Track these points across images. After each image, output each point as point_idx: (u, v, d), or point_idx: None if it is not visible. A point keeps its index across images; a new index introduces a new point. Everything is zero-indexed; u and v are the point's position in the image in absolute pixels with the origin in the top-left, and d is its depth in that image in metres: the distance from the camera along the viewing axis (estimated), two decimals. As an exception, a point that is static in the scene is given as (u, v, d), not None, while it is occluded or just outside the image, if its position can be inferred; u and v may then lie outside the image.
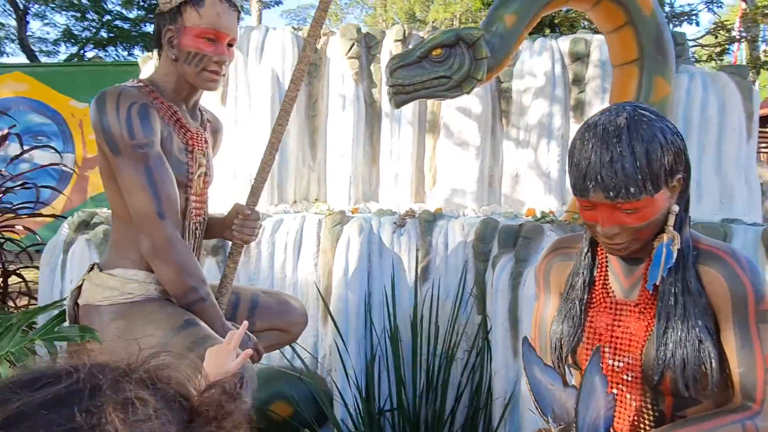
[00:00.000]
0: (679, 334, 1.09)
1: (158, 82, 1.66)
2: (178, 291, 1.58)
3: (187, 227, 1.70)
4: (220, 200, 2.96)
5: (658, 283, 1.12)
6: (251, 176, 2.94)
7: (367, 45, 3.03)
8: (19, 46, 15.56)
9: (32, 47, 15.61)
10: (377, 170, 3.08)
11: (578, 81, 2.87)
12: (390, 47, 3.03)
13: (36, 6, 15.63)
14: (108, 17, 14.72)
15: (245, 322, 1.54)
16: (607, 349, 1.19)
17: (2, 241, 3.50)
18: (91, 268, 1.67)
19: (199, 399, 0.47)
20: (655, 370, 1.10)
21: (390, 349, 2.53)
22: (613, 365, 1.18)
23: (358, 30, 2.98)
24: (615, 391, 1.17)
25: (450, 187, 2.97)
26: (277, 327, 1.95)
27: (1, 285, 3.47)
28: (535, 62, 2.92)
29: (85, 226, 2.69)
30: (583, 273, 1.25)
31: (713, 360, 1.07)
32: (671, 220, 1.13)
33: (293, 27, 3.08)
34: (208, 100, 3.06)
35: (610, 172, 1.05)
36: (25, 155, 4.01)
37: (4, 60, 16.35)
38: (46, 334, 1.67)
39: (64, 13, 15.41)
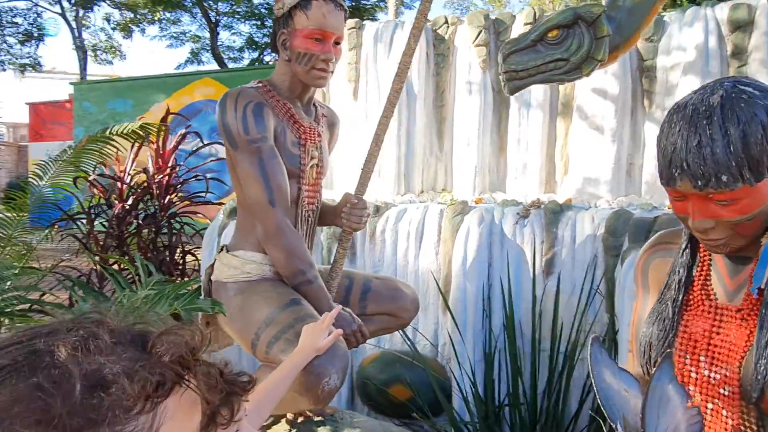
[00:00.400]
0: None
1: (275, 82, 1.82)
2: (287, 273, 1.74)
3: (299, 214, 1.85)
4: (349, 190, 3.14)
5: (763, 287, 0.97)
6: (380, 167, 3.08)
7: (495, 31, 2.96)
8: (211, 55, 17.87)
9: (222, 55, 17.80)
10: (505, 159, 3.00)
11: (739, 53, 2.49)
12: (520, 31, 2.92)
13: (225, 18, 17.76)
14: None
15: (338, 306, 1.64)
16: (702, 358, 1.05)
17: (181, 225, 4.10)
18: (221, 250, 1.90)
19: (153, 341, 0.54)
20: (754, 386, 0.95)
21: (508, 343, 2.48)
22: (708, 377, 1.04)
23: (486, 17, 2.92)
24: (711, 405, 1.04)
25: (582, 175, 2.78)
26: (387, 312, 2.02)
27: (180, 262, 4.07)
28: (686, 35, 2.59)
29: (235, 212, 3.04)
30: (679, 272, 1.12)
31: None
32: (785, 214, 0.96)
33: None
34: (340, 95, 3.26)
35: (698, 159, 0.93)
36: (212, 150, 4.62)
37: (199, 68, 18.77)
38: (187, 304, 1.95)
39: (246, 22, 17.34)
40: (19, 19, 20.98)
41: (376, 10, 16.51)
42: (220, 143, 5.00)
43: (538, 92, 2.88)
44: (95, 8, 22.23)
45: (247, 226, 1.81)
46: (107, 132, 3.49)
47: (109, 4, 21.71)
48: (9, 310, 2.35)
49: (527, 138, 2.90)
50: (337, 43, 1.78)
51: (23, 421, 0.46)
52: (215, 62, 17.65)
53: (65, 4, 21.09)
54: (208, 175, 4.09)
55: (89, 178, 3.80)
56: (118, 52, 23.18)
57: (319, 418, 2.00)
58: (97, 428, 0.48)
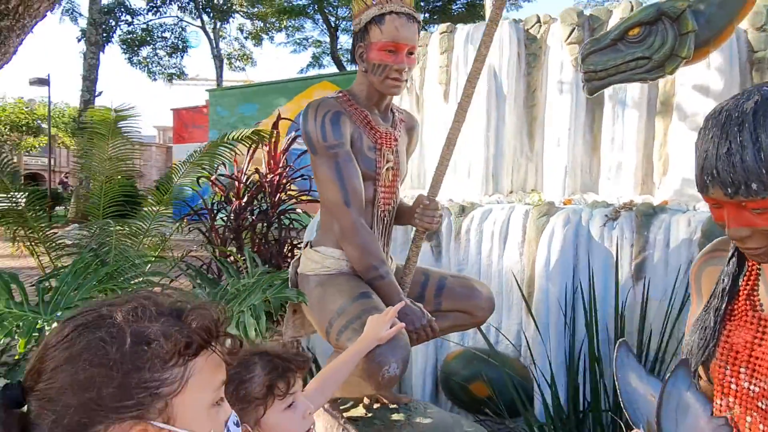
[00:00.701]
0: None
1: (355, 91, 1.97)
2: (360, 268, 1.88)
3: (375, 214, 1.98)
4: (441, 190, 3.22)
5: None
6: (469, 168, 3.14)
7: (590, 27, 2.87)
8: (331, 59, 18.74)
9: (341, 58, 18.57)
10: (598, 160, 2.91)
11: None
12: (618, 27, 2.82)
13: (344, 22, 18.50)
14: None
15: (403, 301, 1.75)
16: (743, 370, 1.02)
17: (290, 220, 4.44)
18: (306, 245, 2.09)
19: (187, 313, 0.70)
20: None
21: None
22: (748, 389, 1.01)
23: (579, 14, 2.85)
24: (749, 418, 1.01)
25: (682, 177, 2.62)
26: (461, 309, 2.09)
27: (288, 255, 4.41)
28: (806, 22, 2.35)
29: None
30: (724, 280, 1.09)
31: None
32: (828, 224, 0.92)
33: (514, 19, 3.12)
34: (432, 98, 3.35)
35: (728, 166, 0.92)
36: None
37: (320, 72, 19.74)
38: (276, 293, 2.18)
39: (364, 25, 17.88)
40: (167, 34, 23.47)
41: (476, 9, 16.30)
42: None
43: (634, 91, 2.75)
44: (230, 20, 24.21)
45: (327, 225, 1.98)
46: (226, 138, 3.90)
47: (242, 15, 23.61)
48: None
49: (622, 137, 2.79)
50: (410, 53, 1.88)
51: (90, 362, 0.64)
52: (335, 65, 18.49)
53: (205, 18, 23.24)
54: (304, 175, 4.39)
55: (211, 178, 4.26)
56: (249, 60, 25.15)
57: (394, 406, 2.12)
58: (141, 373, 0.65)
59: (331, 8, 18.40)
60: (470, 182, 3.08)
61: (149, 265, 3.02)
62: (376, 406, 2.13)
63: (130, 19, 22.34)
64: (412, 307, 1.82)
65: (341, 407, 2.10)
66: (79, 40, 17.46)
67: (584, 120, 2.90)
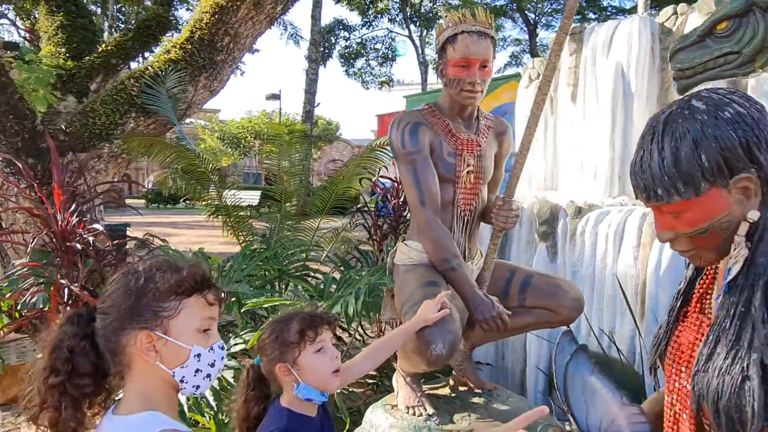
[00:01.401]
0: (722, 362, 0.91)
1: (440, 103, 2.22)
2: (435, 260, 2.12)
3: (455, 213, 2.20)
4: (568, 191, 3.24)
5: (716, 300, 0.95)
6: (595, 169, 3.10)
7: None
8: (530, 56, 18.45)
9: (540, 55, 18.18)
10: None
11: None
12: None
13: (544, 18, 18.06)
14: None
15: (447, 291, 1.94)
16: (683, 369, 1.06)
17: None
18: (401, 239, 2.39)
19: (185, 269, 1.07)
20: (692, 398, 0.95)
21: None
22: (686, 387, 1.04)
23: (718, 1, 2.59)
24: (684, 416, 1.04)
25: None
26: (545, 307, 2.20)
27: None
28: None
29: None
30: (681, 283, 1.12)
31: (755, 402, 0.86)
32: (743, 229, 0.93)
33: (649, 12, 2.96)
34: (563, 98, 3.35)
35: (640, 173, 1.00)
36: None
37: (518, 70, 19.48)
38: (376, 279, 2.53)
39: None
40: (378, 45, 25.53)
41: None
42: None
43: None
44: (435, 26, 25.28)
45: (413, 222, 2.26)
46: (381, 143, 4.38)
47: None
48: (294, 273, 3.34)
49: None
50: (483, 66, 2.06)
51: (119, 291, 1.06)
52: (534, 62, 18.15)
53: (412, 28, 24.67)
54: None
55: (372, 180, 4.79)
56: (452, 63, 25.98)
57: (479, 390, 2.31)
58: (147, 300, 1.05)
59: (532, 5, 18.12)
60: (595, 183, 3.03)
61: (305, 254, 3.63)
62: (462, 388, 2.34)
63: (347, 35, 24.85)
64: (484, 299, 2.00)
65: (431, 385, 2.35)
66: (306, 59, 20.06)
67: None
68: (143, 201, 23.04)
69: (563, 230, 2.89)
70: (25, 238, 3.93)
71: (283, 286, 3.33)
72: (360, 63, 25.70)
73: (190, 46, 4.67)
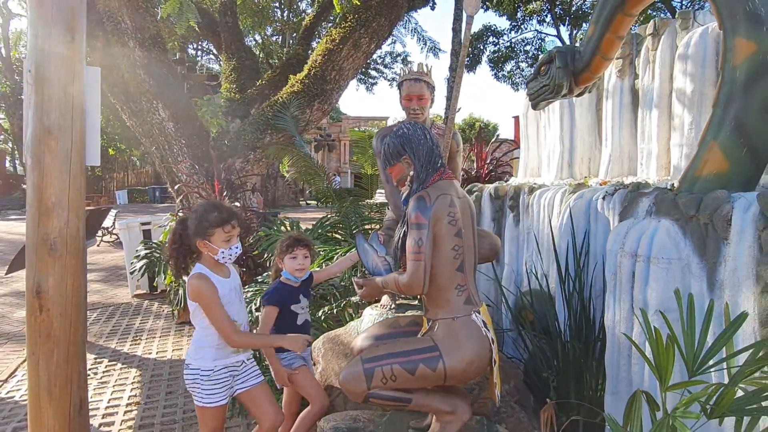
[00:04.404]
0: (396, 238, 2.27)
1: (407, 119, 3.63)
2: (396, 216, 3.54)
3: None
4: (544, 176, 4.35)
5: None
6: (553, 159, 4.17)
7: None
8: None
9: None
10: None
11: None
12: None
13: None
14: None
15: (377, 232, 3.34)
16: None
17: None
18: (390, 206, 3.83)
19: (222, 211, 2.70)
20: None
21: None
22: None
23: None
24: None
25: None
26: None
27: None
28: None
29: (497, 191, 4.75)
30: None
31: (399, 246, 2.21)
32: (409, 179, 2.28)
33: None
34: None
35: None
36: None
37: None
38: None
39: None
40: (527, 48, 25.99)
41: None
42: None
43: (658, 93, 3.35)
44: (585, 25, 25.03)
45: (391, 194, 3.70)
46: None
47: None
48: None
49: (650, 131, 3.40)
50: (420, 98, 3.42)
51: (191, 219, 2.59)
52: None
53: (561, 28, 24.75)
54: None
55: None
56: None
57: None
58: (202, 226, 2.59)
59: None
60: (553, 169, 4.09)
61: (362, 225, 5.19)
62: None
63: (495, 40, 25.78)
64: None
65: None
66: (448, 68, 21.58)
67: (628, 117, 3.56)
68: (315, 202, 26.58)
69: (523, 204, 4.07)
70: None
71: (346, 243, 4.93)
72: (509, 66, 26.42)
73: (307, 81, 6.54)
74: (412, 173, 2.28)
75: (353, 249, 4.15)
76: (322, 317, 3.93)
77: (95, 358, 5.18)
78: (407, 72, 3.45)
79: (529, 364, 3.60)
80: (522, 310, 3.91)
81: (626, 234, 2.62)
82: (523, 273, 4.17)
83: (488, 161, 6.02)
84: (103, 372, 4.82)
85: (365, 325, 3.52)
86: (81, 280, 2.98)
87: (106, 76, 6.15)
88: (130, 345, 5.60)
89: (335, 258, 4.12)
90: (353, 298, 4.03)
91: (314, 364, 3.44)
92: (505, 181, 5.78)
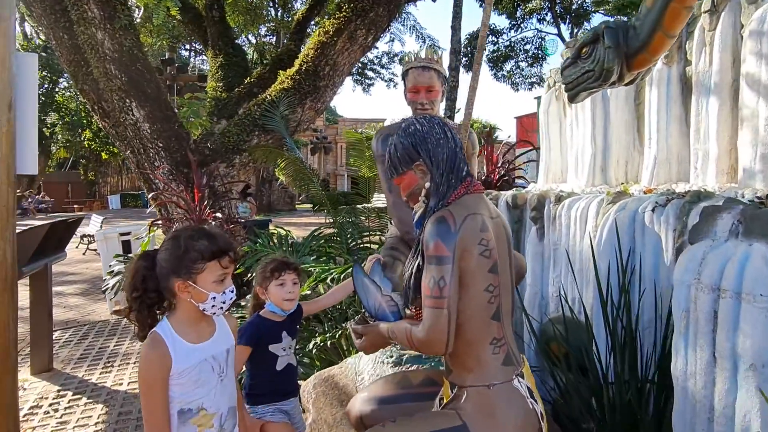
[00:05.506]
0: (409, 265, 1.67)
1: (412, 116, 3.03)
2: (399, 232, 2.94)
3: (420, 198, 2.99)
4: (571, 182, 3.76)
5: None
6: (583, 162, 3.58)
7: (686, 23, 2.93)
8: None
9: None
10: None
11: None
12: None
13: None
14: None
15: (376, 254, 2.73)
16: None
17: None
18: (393, 219, 3.23)
19: (213, 239, 1.97)
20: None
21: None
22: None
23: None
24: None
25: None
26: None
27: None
28: None
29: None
30: None
31: (411, 284, 1.61)
32: (423, 192, 1.68)
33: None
34: (568, 103, 3.83)
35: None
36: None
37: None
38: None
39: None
40: (527, 47, 25.46)
41: None
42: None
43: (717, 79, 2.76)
44: (587, 23, 24.51)
45: (392, 205, 3.10)
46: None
47: (602, 13, 23.63)
48: (353, 249, 4.31)
49: (707, 128, 2.81)
50: (429, 90, 2.83)
51: (169, 251, 1.78)
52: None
53: (562, 27, 24.23)
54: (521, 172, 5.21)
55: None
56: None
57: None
58: (185, 261, 1.79)
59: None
60: (583, 175, 3.50)
61: (367, 236, 4.60)
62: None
63: (495, 40, 25.23)
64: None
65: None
66: (447, 68, 21.04)
67: (678, 112, 2.98)
68: (310, 206, 25.98)
69: (548, 215, 3.47)
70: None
71: (342, 260, 4.33)
72: (509, 66, 25.89)
73: (298, 77, 5.93)
74: (427, 185, 1.68)
75: (349, 268, 3.56)
76: (314, 350, 3.32)
77: (58, 391, 4.56)
78: (413, 58, 2.86)
79: (561, 408, 3.00)
80: (550, 341, 3.31)
81: (702, 261, 2.02)
82: (549, 296, 3.56)
83: (499, 164, 5.43)
84: (65, 408, 4.20)
85: (364, 364, 2.92)
86: (8, 318, 2.38)
87: (74, 72, 5.55)
88: (101, 373, 4.98)
89: (328, 279, 3.52)
90: (350, 326, 3.43)
91: (303, 412, 2.83)
92: (522, 188, 5.19)
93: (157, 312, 1.67)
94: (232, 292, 1.69)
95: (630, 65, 2.25)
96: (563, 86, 2.50)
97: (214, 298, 1.63)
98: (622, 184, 3.36)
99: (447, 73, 2.90)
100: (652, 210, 2.78)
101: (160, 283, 1.62)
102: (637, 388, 2.62)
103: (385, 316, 1.80)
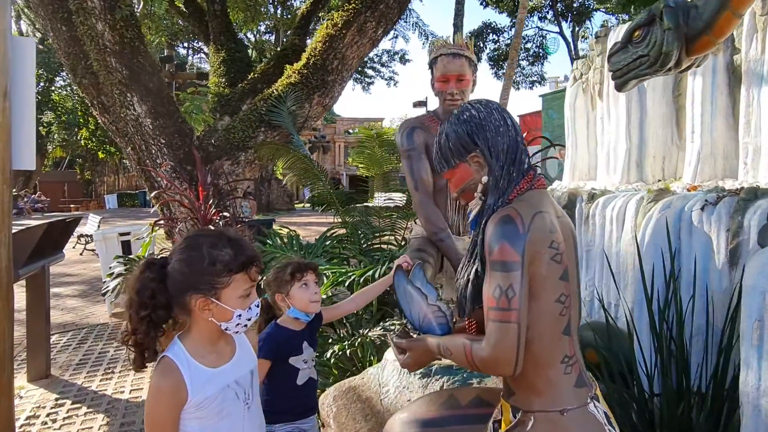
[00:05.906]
0: (463, 270, 1.45)
1: (437, 110, 2.81)
2: (427, 233, 2.72)
3: (448, 196, 2.77)
4: (602, 179, 3.56)
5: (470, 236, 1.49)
6: (617, 157, 3.38)
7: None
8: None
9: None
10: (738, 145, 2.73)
11: None
12: None
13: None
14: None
15: (404, 255, 2.52)
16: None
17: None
18: (417, 218, 3.01)
19: (239, 249, 1.43)
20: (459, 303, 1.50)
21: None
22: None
23: None
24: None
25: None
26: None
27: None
28: None
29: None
30: None
31: (468, 293, 1.40)
32: (479, 188, 1.47)
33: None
34: (598, 97, 3.63)
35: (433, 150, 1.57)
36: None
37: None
38: (403, 251, 3.17)
39: None
40: (529, 45, 25.25)
41: None
42: (561, 145, 5.70)
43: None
44: (589, 20, 24.32)
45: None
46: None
47: (604, 12, 23.45)
48: (367, 251, 4.10)
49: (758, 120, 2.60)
50: (460, 79, 2.61)
51: (186, 262, 1.35)
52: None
53: (563, 25, 24.04)
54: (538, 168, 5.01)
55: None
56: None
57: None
58: (206, 275, 1.46)
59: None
60: (617, 171, 3.30)
61: (380, 236, 4.38)
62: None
63: (496, 38, 25.04)
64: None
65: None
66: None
67: (724, 104, 2.78)
68: (310, 204, 25.74)
69: (579, 214, 3.26)
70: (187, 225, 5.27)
71: (357, 261, 4.11)
72: (510, 64, 25.67)
73: (305, 71, 5.71)
74: (484, 179, 1.46)
75: (369, 271, 3.35)
76: (332, 359, 3.11)
77: (56, 399, 4.33)
78: (442, 45, 2.64)
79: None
80: (585, 348, 3.10)
81: (779, 264, 1.81)
82: (582, 300, 3.34)
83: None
84: (64, 419, 3.97)
85: (388, 374, 2.70)
86: (3, 328, 2.15)
87: (73, 65, 5.32)
88: (101, 379, 4.75)
89: (347, 283, 3.30)
90: (370, 333, 3.21)
91: (322, 426, 2.62)
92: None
93: (157, 336, 1.37)
94: (258, 306, 1.44)
95: (690, 49, 2.04)
96: (611, 72, 2.28)
97: (240, 315, 1.38)
98: (660, 180, 3.15)
99: (476, 60, 2.68)
100: (702, 208, 2.58)
101: (175, 297, 1.35)
102: (689, 402, 2.42)
103: (431, 328, 1.58)
